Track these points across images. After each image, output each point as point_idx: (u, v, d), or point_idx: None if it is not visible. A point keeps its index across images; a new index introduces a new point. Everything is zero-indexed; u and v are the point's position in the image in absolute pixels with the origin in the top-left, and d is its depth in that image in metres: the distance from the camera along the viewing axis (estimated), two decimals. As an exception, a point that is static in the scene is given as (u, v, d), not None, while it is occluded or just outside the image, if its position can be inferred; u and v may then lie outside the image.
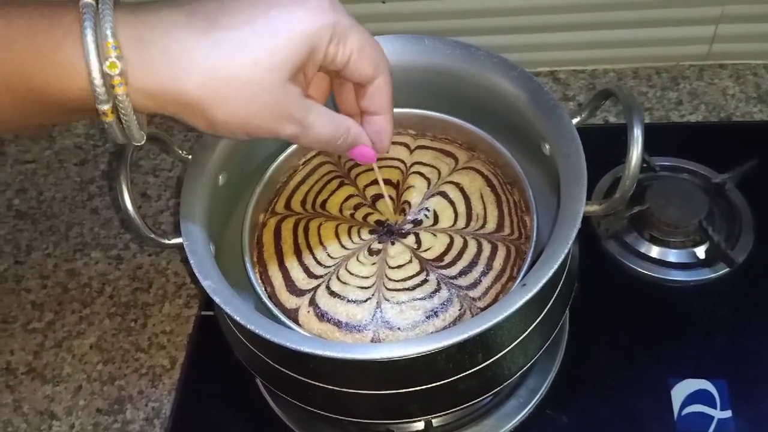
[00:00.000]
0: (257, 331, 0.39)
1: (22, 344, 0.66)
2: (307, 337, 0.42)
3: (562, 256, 0.40)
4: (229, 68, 0.32)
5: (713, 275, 0.59)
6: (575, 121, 0.47)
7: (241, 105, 0.33)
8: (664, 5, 0.72)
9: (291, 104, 0.35)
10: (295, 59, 0.33)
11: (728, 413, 0.52)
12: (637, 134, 0.41)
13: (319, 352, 0.38)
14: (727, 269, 0.58)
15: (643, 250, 0.61)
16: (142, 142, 0.35)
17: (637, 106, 0.42)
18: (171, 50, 0.32)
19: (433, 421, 0.51)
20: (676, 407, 0.53)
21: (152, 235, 0.45)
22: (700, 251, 0.60)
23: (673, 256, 0.60)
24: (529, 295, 0.39)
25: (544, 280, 0.39)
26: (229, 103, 0.33)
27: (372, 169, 0.53)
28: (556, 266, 0.40)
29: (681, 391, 0.53)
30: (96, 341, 0.66)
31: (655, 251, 0.61)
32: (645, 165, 0.63)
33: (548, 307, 0.44)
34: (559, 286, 0.45)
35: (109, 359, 0.64)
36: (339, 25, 0.35)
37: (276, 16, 0.33)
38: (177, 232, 0.45)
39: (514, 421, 0.53)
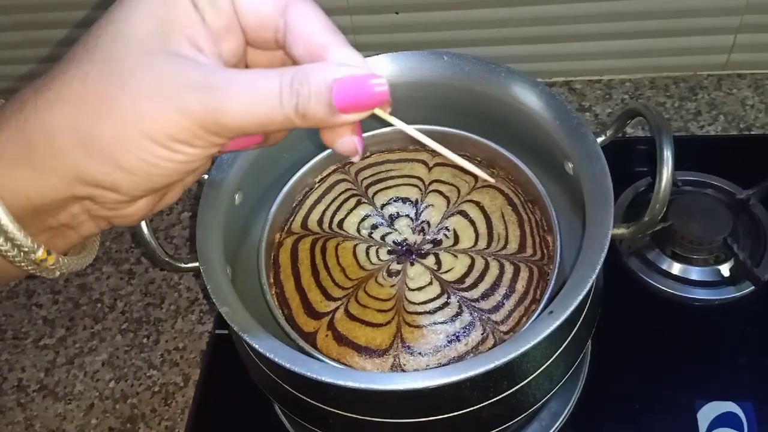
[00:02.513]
0: (277, 360, 0.38)
1: (34, 361, 0.66)
2: (328, 367, 0.40)
3: (590, 283, 0.39)
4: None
5: (738, 294, 0.57)
6: (600, 140, 0.45)
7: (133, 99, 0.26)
8: (682, 15, 0.71)
9: (176, 64, 0.27)
10: (154, 11, 0.27)
11: (755, 437, 0.51)
12: (667, 156, 0.40)
13: (341, 382, 0.37)
14: (753, 287, 0.57)
15: (665, 267, 0.60)
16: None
17: (666, 127, 0.41)
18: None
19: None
20: (702, 430, 0.52)
21: (168, 260, 0.44)
22: (725, 269, 0.59)
23: (696, 273, 0.59)
24: (557, 323, 0.37)
25: (571, 308, 0.38)
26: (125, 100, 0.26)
27: (389, 188, 0.52)
28: (584, 293, 0.38)
29: (707, 413, 0.52)
30: (108, 358, 0.65)
31: (677, 268, 0.60)
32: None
33: (574, 332, 0.43)
34: (585, 310, 0.44)
35: (122, 376, 0.64)
36: None
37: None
38: (192, 251, 0.44)
39: (537, 445, 0.52)
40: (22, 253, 0.29)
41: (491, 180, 0.41)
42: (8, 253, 0.28)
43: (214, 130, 0.27)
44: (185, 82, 0.26)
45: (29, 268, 0.30)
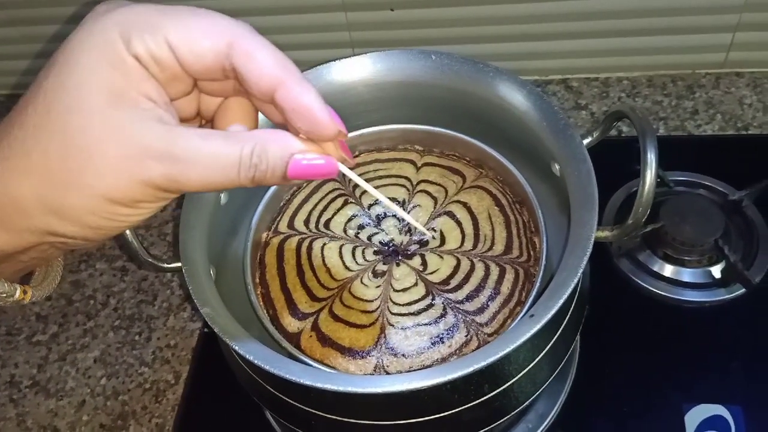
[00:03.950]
0: (257, 362, 0.38)
1: (27, 357, 0.66)
2: (308, 369, 0.40)
3: (572, 285, 0.38)
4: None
5: (729, 296, 0.57)
6: (586, 141, 0.45)
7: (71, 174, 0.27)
8: (680, 12, 0.70)
9: (137, 133, 0.27)
10: (103, 75, 0.27)
11: (744, 440, 0.51)
12: (651, 159, 0.39)
13: (320, 385, 0.37)
14: (744, 290, 0.57)
15: (656, 268, 0.59)
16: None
17: (651, 130, 0.40)
18: None
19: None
20: (689, 434, 0.51)
21: (150, 260, 0.44)
22: (716, 271, 0.58)
23: (687, 275, 0.59)
24: (537, 327, 0.37)
25: (553, 311, 0.38)
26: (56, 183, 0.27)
27: (377, 188, 0.52)
28: (565, 296, 0.38)
29: (695, 416, 0.52)
30: (100, 355, 0.65)
31: (668, 270, 0.59)
32: (659, 180, 0.62)
33: (558, 334, 0.43)
34: (570, 312, 0.44)
35: (113, 373, 0.64)
36: (130, 17, 0.28)
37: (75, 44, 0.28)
38: (177, 253, 0.44)
39: (523, 447, 0.52)
40: None
41: (427, 233, 0.47)
42: None
43: (175, 192, 0.29)
44: (147, 153, 0.27)
45: (2, 304, 0.31)
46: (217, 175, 0.28)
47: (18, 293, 0.31)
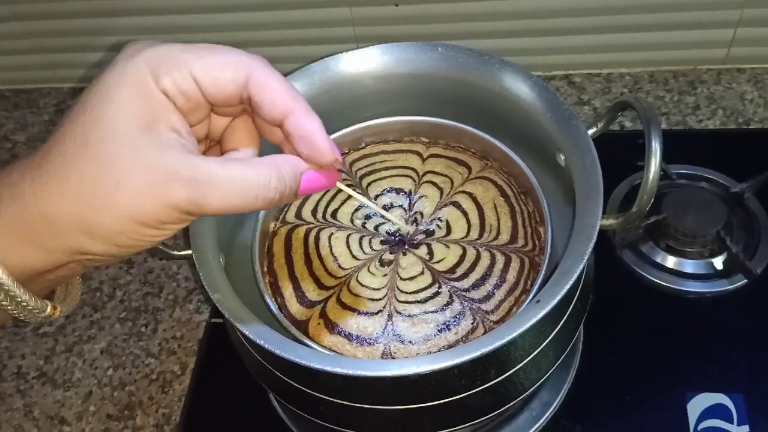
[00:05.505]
0: (267, 346, 0.38)
1: (33, 348, 0.67)
2: (317, 353, 0.41)
3: (577, 272, 0.39)
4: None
5: (731, 287, 0.58)
6: (591, 132, 0.46)
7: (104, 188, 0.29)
8: (682, 8, 0.71)
9: (164, 160, 0.30)
10: (134, 108, 0.30)
11: (745, 428, 0.51)
12: (655, 148, 0.40)
13: (329, 368, 0.37)
14: (745, 281, 0.57)
15: (659, 260, 0.60)
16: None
17: (655, 119, 0.41)
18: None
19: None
20: (692, 422, 0.52)
21: (161, 247, 0.45)
22: (718, 262, 0.59)
23: (689, 266, 0.59)
24: (543, 312, 0.38)
25: (558, 297, 0.38)
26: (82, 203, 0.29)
27: (383, 178, 0.53)
28: (571, 282, 0.39)
29: (697, 405, 0.53)
30: (106, 346, 0.66)
31: (671, 261, 0.60)
32: (662, 173, 0.62)
33: (563, 321, 0.44)
34: (574, 300, 0.45)
35: (120, 364, 0.64)
36: (158, 55, 0.31)
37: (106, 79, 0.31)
38: (187, 242, 0.45)
39: (527, 434, 0.53)
40: (26, 311, 0.32)
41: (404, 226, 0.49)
42: (16, 313, 0.32)
43: (196, 214, 0.31)
44: (173, 178, 0.30)
45: (31, 319, 0.33)
46: (237, 199, 0.31)
47: (48, 309, 0.33)
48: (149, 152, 0.30)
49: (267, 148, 0.35)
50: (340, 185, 0.38)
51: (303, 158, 0.34)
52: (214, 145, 0.37)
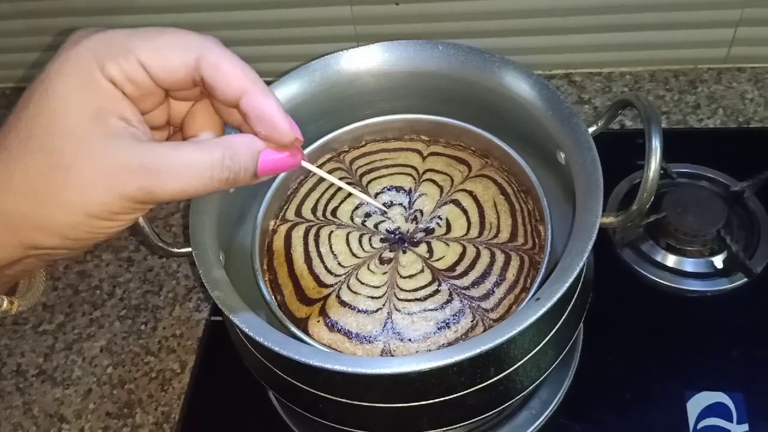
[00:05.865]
0: (266, 343, 0.38)
1: (33, 346, 0.67)
2: (317, 351, 0.41)
3: (577, 270, 0.39)
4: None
5: (730, 285, 0.58)
6: (591, 130, 0.46)
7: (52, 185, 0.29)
8: (683, 8, 0.71)
9: (111, 150, 0.29)
10: (78, 99, 0.29)
11: (745, 427, 0.51)
12: (656, 146, 0.40)
13: (329, 366, 0.37)
14: (745, 279, 0.57)
15: (659, 258, 0.60)
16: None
17: (656, 117, 0.41)
18: None
19: (444, 432, 0.51)
20: (691, 420, 0.52)
21: (161, 244, 0.45)
22: (718, 261, 0.59)
23: (689, 265, 0.59)
24: (543, 310, 0.38)
25: (558, 295, 0.38)
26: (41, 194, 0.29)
27: (383, 176, 0.53)
28: (570, 280, 0.39)
29: (697, 403, 0.53)
30: (106, 344, 0.66)
31: (671, 260, 0.60)
32: (662, 172, 0.62)
33: (562, 319, 0.44)
34: (574, 298, 0.45)
35: (119, 362, 0.64)
36: (102, 42, 0.30)
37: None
38: (188, 239, 0.45)
39: (527, 433, 0.53)
40: None
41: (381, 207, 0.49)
42: None
43: (150, 203, 0.31)
44: (123, 168, 0.29)
45: None
46: (191, 181, 0.30)
47: (5, 304, 0.33)
48: (95, 143, 0.29)
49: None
50: (306, 165, 0.36)
51: (261, 138, 0.32)
52: (176, 132, 0.36)
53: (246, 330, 0.39)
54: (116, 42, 0.30)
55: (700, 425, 0.52)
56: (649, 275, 0.59)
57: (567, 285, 0.38)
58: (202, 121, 0.34)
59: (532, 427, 0.53)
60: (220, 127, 0.35)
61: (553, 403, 0.54)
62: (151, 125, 0.34)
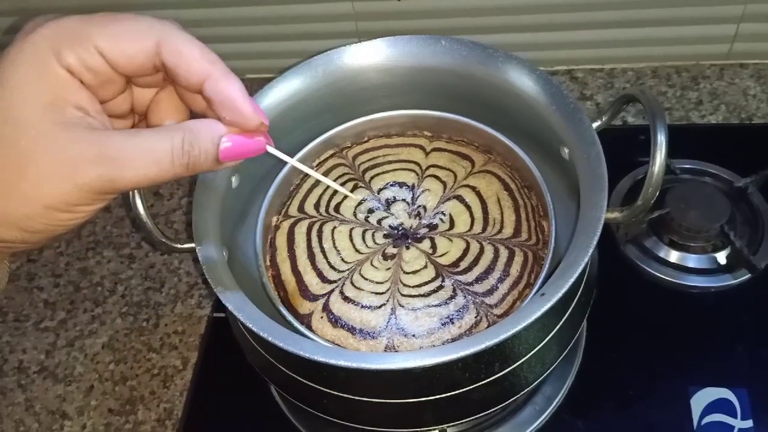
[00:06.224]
0: (271, 339, 0.38)
1: (35, 343, 0.66)
2: (321, 346, 0.41)
3: (582, 265, 0.39)
4: None
5: (734, 281, 0.58)
6: (596, 125, 0.45)
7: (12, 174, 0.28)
8: (685, 4, 0.71)
9: (68, 140, 0.28)
10: (33, 88, 0.28)
11: (749, 423, 0.51)
12: (661, 140, 0.40)
13: (333, 361, 0.37)
14: (749, 275, 0.57)
15: (662, 254, 0.60)
16: None
17: (660, 112, 0.41)
18: None
19: (448, 429, 0.50)
20: (695, 416, 0.52)
21: (164, 240, 0.45)
22: (721, 257, 0.59)
23: (693, 261, 0.59)
24: (549, 304, 0.38)
25: (563, 290, 0.38)
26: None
27: (386, 172, 0.53)
28: (575, 275, 0.39)
29: (701, 399, 0.52)
30: (108, 341, 0.65)
31: (674, 256, 0.60)
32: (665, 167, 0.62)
33: (567, 315, 0.44)
34: (578, 294, 0.44)
35: (121, 359, 0.64)
36: (58, 30, 0.29)
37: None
38: (190, 235, 0.45)
39: (530, 429, 0.53)
40: None
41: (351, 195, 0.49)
42: None
43: (111, 192, 0.30)
44: (81, 158, 0.28)
45: None
46: (152, 167, 0.30)
47: None
48: (51, 134, 0.28)
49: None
50: (273, 150, 0.35)
51: (226, 124, 0.32)
52: (141, 120, 0.35)
53: (250, 326, 0.39)
54: (72, 29, 0.29)
55: (704, 421, 0.52)
56: (652, 271, 0.59)
57: (572, 280, 0.38)
58: (166, 108, 0.34)
59: (536, 423, 0.53)
60: (185, 114, 0.34)
61: (557, 399, 0.53)
62: (114, 114, 0.33)
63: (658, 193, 0.40)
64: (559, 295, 0.38)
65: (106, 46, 0.30)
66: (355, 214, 0.51)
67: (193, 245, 0.44)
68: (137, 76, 0.32)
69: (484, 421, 0.53)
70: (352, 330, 0.45)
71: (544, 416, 0.53)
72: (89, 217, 0.31)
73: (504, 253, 0.47)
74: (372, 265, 0.48)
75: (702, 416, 0.52)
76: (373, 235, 0.49)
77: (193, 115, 0.34)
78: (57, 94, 0.29)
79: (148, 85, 0.33)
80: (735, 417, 0.51)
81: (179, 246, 0.45)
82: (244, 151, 0.32)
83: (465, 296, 0.45)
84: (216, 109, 0.32)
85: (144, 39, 0.30)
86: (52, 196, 0.29)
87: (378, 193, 0.52)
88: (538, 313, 0.37)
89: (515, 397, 0.44)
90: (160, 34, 0.30)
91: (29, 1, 0.78)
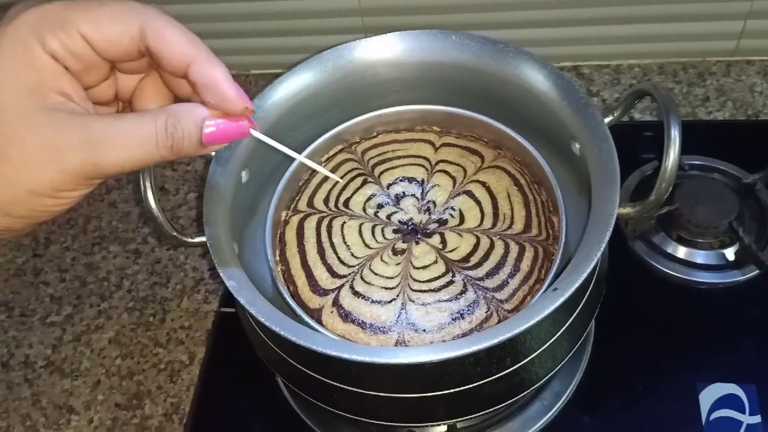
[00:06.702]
0: (283, 333, 0.38)
1: (41, 338, 0.66)
2: (333, 340, 0.41)
3: (595, 260, 0.39)
4: None
5: (743, 277, 0.58)
6: (607, 120, 0.45)
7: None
8: (692, 0, 0.70)
9: (51, 125, 0.28)
10: (15, 74, 0.29)
11: (757, 418, 0.51)
12: (675, 135, 0.40)
13: (346, 355, 0.37)
14: (757, 271, 0.57)
15: (670, 250, 0.60)
16: None
17: (674, 107, 0.41)
18: None
19: (458, 423, 0.50)
20: (704, 412, 0.52)
21: (175, 233, 0.45)
22: (729, 253, 0.59)
23: (701, 257, 0.59)
24: (561, 299, 0.38)
25: (576, 285, 0.38)
26: None
27: (396, 167, 0.53)
28: (588, 270, 0.39)
29: (709, 395, 0.52)
30: (114, 336, 0.65)
31: (682, 252, 0.60)
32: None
33: (578, 310, 0.44)
34: (589, 289, 0.44)
35: (128, 354, 0.64)
36: (41, 16, 0.29)
37: None
38: (199, 230, 0.44)
39: (539, 425, 0.53)
40: None
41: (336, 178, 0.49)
42: None
43: (96, 177, 0.30)
44: (65, 142, 0.28)
45: None
46: (136, 150, 0.30)
47: None
48: (34, 119, 0.28)
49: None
50: (257, 134, 0.35)
51: (210, 108, 0.32)
52: (125, 107, 0.35)
53: (262, 320, 0.39)
54: (55, 15, 0.29)
55: (712, 417, 0.52)
56: (660, 267, 0.59)
57: (585, 275, 0.38)
58: (151, 94, 0.34)
59: (545, 419, 0.53)
60: (169, 100, 0.35)
61: (566, 395, 0.53)
62: (98, 100, 0.33)
63: (671, 189, 0.40)
64: (573, 289, 0.38)
65: (89, 31, 0.30)
66: (364, 209, 0.51)
67: (203, 239, 0.44)
68: (121, 61, 0.32)
69: (494, 416, 0.53)
70: (362, 325, 0.45)
71: (552, 412, 0.53)
72: (73, 203, 0.31)
73: (514, 249, 0.47)
74: (382, 260, 0.48)
75: (710, 412, 0.52)
76: (382, 230, 0.49)
77: (178, 101, 0.34)
78: (40, 79, 0.29)
79: (132, 71, 0.33)
80: (743, 412, 0.51)
81: (190, 240, 0.45)
82: (227, 135, 0.32)
83: (475, 291, 0.45)
84: (201, 93, 0.32)
85: (127, 23, 0.30)
86: (37, 181, 0.29)
87: (387, 189, 0.52)
88: (552, 308, 0.37)
89: (526, 392, 0.44)
90: (143, 19, 0.31)
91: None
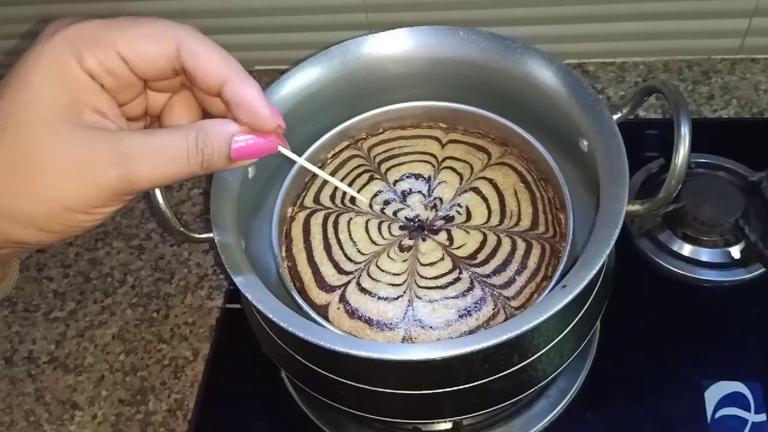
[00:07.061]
0: (291, 329, 0.38)
1: (44, 333, 0.66)
2: (341, 336, 0.41)
3: (604, 257, 0.39)
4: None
5: (748, 275, 0.57)
6: (616, 117, 0.45)
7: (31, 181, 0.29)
8: (697, -3, 0.70)
9: (86, 142, 0.29)
10: (53, 91, 0.29)
11: (763, 417, 0.51)
12: (684, 133, 0.40)
13: (354, 352, 0.37)
14: (763, 269, 0.57)
15: (676, 248, 0.60)
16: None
17: (684, 104, 0.40)
18: None
19: (463, 420, 0.50)
20: (709, 410, 0.52)
21: (182, 229, 0.44)
22: (735, 251, 0.59)
23: (706, 255, 0.59)
24: (570, 296, 0.38)
25: (585, 282, 0.38)
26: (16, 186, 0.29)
27: (402, 164, 0.53)
28: (597, 268, 0.38)
29: (714, 393, 0.52)
30: (118, 331, 0.65)
31: (688, 250, 0.60)
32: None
33: (585, 308, 0.44)
34: (597, 287, 0.44)
35: (132, 350, 0.64)
36: (79, 34, 0.30)
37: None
38: (200, 226, 0.44)
39: (544, 422, 0.53)
40: None
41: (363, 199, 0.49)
42: None
43: (129, 193, 0.31)
44: (99, 158, 0.29)
45: None
46: (168, 166, 0.30)
47: None
48: (70, 136, 0.29)
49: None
50: (285, 151, 0.35)
51: (242, 125, 0.32)
52: (153, 122, 0.36)
53: (270, 316, 0.39)
54: (94, 33, 0.30)
55: (718, 415, 0.52)
56: (665, 265, 0.59)
57: (593, 272, 0.38)
58: (180, 110, 0.35)
59: (550, 416, 0.53)
60: (198, 116, 0.35)
61: (571, 392, 0.53)
62: (128, 116, 0.34)
63: (680, 186, 0.40)
64: (581, 287, 0.38)
65: (126, 50, 0.30)
66: (371, 206, 0.51)
67: (210, 235, 0.44)
68: (156, 80, 0.32)
69: (499, 414, 0.53)
70: (369, 321, 0.45)
71: (558, 409, 0.53)
72: (105, 219, 0.31)
73: (521, 246, 0.47)
74: (389, 256, 0.48)
75: (716, 410, 0.52)
76: (389, 227, 0.49)
77: (208, 116, 0.35)
78: (76, 96, 0.29)
79: (164, 89, 0.34)
80: (749, 411, 0.51)
81: (198, 236, 0.45)
82: (256, 151, 0.33)
83: (482, 288, 0.45)
84: (234, 111, 0.32)
85: (164, 43, 0.31)
86: (72, 197, 0.29)
87: (394, 185, 0.52)
88: (560, 305, 0.37)
89: (533, 389, 0.44)
90: (180, 38, 0.31)
91: (47, 8, 0.78)
